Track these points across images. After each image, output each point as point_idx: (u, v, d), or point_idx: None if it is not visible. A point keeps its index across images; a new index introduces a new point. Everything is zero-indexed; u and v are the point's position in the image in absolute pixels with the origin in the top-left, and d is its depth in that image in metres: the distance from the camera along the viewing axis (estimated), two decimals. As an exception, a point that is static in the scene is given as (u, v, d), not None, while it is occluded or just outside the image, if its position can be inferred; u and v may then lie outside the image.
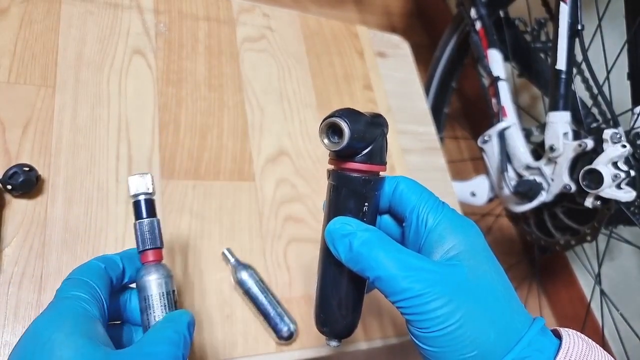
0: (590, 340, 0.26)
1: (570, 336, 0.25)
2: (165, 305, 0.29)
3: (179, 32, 0.53)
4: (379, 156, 0.27)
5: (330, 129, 0.26)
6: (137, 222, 0.30)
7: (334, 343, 0.30)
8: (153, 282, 0.29)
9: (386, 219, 0.31)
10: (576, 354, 0.24)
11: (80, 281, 0.27)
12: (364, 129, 0.26)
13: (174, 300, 0.30)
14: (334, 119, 0.25)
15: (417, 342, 0.25)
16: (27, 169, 0.38)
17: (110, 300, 0.29)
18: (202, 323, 0.41)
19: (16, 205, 0.39)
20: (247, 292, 0.41)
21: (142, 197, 0.30)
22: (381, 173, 0.28)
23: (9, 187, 0.37)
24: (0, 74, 0.42)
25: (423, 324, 0.24)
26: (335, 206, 0.28)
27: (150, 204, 0.30)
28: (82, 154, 0.43)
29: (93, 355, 0.22)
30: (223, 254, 0.43)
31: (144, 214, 0.30)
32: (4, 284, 0.36)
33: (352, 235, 0.26)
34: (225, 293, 0.43)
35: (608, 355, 0.26)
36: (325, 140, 0.26)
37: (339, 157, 0.27)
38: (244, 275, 0.42)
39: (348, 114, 0.25)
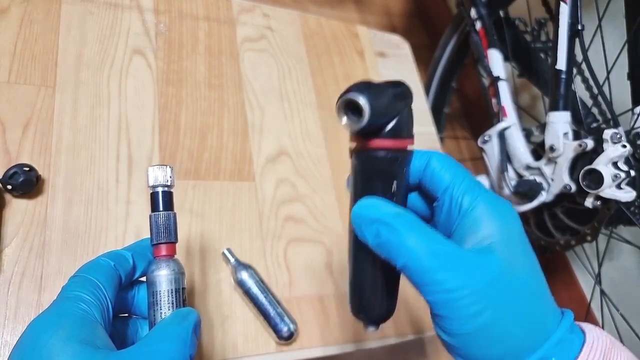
0: (613, 338, 0.25)
1: (593, 330, 0.25)
2: (173, 303, 0.28)
3: (179, 32, 0.53)
4: (405, 130, 0.25)
5: (348, 107, 0.23)
6: (153, 214, 0.29)
7: (371, 328, 0.29)
8: (163, 278, 0.28)
9: (414, 196, 0.29)
10: (600, 349, 0.24)
11: (86, 280, 0.26)
12: (385, 102, 0.23)
13: (182, 298, 0.29)
14: (350, 95, 0.22)
15: (443, 335, 0.24)
16: (27, 169, 0.38)
17: (118, 293, 0.28)
18: (202, 323, 0.41)
19: (16, 205, 0.39)
20: (247, 292, 0.41)
21: (160, 189, 0.29)
22: (409, 147, 0.26)
23: (9, 187, 0.37)
24: (0, 74, 0.42)
25: (451, 317, 0.23)
26: (362, 187, 0.26)
27: (168, 196, 0.30)
28: (82, 154, 0.43)
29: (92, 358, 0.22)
30: (223, 254, 0.43)
31: (161, 206, 0.29)
32: (4, 284, 0.36)
33: (380, 221, 0.24)
34: (225, 293, 0.43)
35: (628, 351, 0.25)
36: (344, 120, 0.23)
37: (361, 135, 0.25)
38: (244, 275, 0.42)
39: (366, 87, 0.22)
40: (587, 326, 0.25)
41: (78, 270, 0.27)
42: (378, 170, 0.25)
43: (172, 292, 0.28)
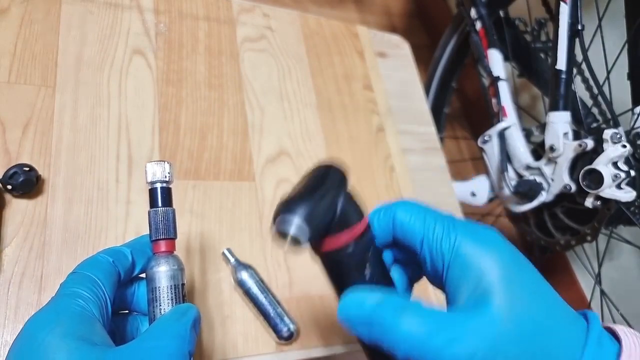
0: None
1: (629, 335, 0.23)
2: (173, 299, 0.28)
3: (179, 32, 0.53)
4: (352, 216, 0.24)
5: (284, 237, 0.21)
6: (151, 210, 0.29)
7: None
8: (162, 274, 0.28)
9: (395, 252, 0.28)
10: (638, 354, 0.22)
11: (84, 276, 0.26)
12: (319, 209, 0.22)
13: (182, 294, 0.29)
14: (281, 228, 0.21)
15: None
16: (27, 169, 0.38)
17: (117, 290, 0.28)
18: (202, 323, 0.41)
19: (16, 205, 0.39)
20: (247, 292, 0.41)
21: (158, 185, 0.29)
22: (363, 228, 0.25)
23: (9, 187, 0.37)
24: (0, 74, 0.42)
25: None
26: (339, 284, 0.25)
27: (166, 192, 0.29)
28: (82, 154, 0.43)
29: (87, 357, 0.22)
30: (223, 254, 0.43)
31: (160, 202, 0.29)
32: (4, 284, 0.36)
33: (365, 322, 0.23)
34: (225, 293, 0.43)
35: None
36: (286, 248, 0.21)
37: (313, 241, 0.23)
38: (244, 275, 0.42)
39: (295, 205, 0.21)
40: (620, 330, 0.23)
41: (76, 267, 0.27)
42: (345, 265, 0.24)
43: (171, 288, 0.28)
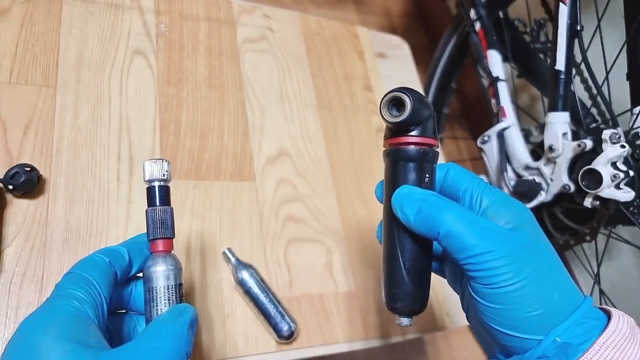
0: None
1: (617, 310, 0.26)
2: (170, 299, 0.28)
3: (179, 32, 0.54)
4: (433, 132, 0.29)
5: (392, 103, 0.27)
6: (149, 208, 0.29)
7: (405, 321, 0.30)
8: (160, 274, 0.28)
9: None
10: (627, 323, 0.25)
11: (79, 277, 0.26)
12: (420, 104, 0.27)
13: (179, 294, 0.28)
14: (396, 93, 0.27)
15: (481, 300, 0.26)
16: (28, 169, 0.38)
17: (114, 290, 0.28)
18: (202, 322, 0.41)
19: (17, 205, 0.39)
20: (248, 292, 0.42)
21: (156, 184, 0.29)
22: (436, 148, 0.29)
23: (11, 187, 0.38)
24: (1, 75, 0.43)
25: (490, 280, 0.25)
26: (399, 179, 0.29)
27: (164, 191, 0.29)
28: (83, 154, 0.43)
29: (81, 359, 0.22)
30: (224, 253, 0.43)
31: (157, 201, 0.29)
32: (5, 284, 0.36)
33: (421, 199, 0.27)
34: (225, 292, 0.43)
35: None
36: (387, 114, 0.27)
37: (398, 131, 0.29)
38: (245, 275, 0.42)
39: (409, 90, 0.27)
40: (613, 310, 0.27)
41: (72, 267, 0.27)
42: (412, 163, 0.29)
43: (168, 288, 0.28)
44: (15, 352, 0.22)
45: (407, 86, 0.28)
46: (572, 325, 0.25)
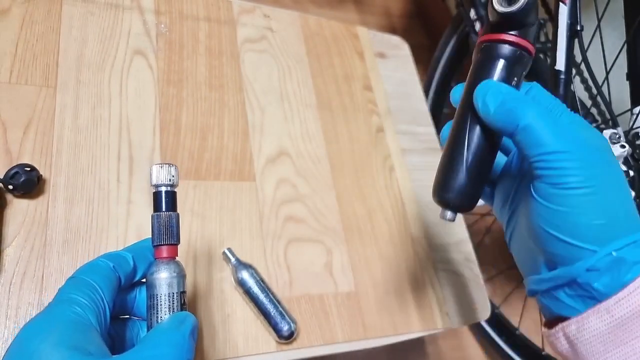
0: None
1: None
2: (171, 307, 0.27)
3: (179, 32, 0.54)
4: (533, 37, 0.28)
5: None
6: (154, 214, 0.28)
7: (450, 215, 0.30)
8: (162, 281, 0.28)
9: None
10: None
11: (82, 282, 0.26)
12: (534, 6, 0.27)
13: (181, 302, 0.28)
14: None
15: (542, 201, 0.25)
16: (28, 169, 0.38)
17: (118, 295, 0.28)
18: (202, 322, 0.41)
19: (17, 205, 0.39)
20: (248, 292, 0.42)
21: (163, 189, 0.28)
22: (532, 55, 0.29)
23: (10, 187, 0.38)
24: (1, 75, 0.43)
25: (560, 179, 0.24)
26: (486, 74, 0.28)
27: (171, 196, 0.29)
28: (83, 154, 0.43)
29: None
30: (224, 253, 0.43)
31: (163, 207, 0.28)
32: (5, 284, 0.36)
33: (507, 93, 0.27)
34: (225, 292, 0.43)
35: None
36: (497, 4, 0.27)
37: (499, 28, 0.28)
38: (245, 275, 0.42)
39: None
40: None
41: (75, 272, 0.27)
42: (506, 61, 0.28)
43: (170, 296, 0.28)
44: (14, 357, 0.22)
45: None
46: (633, 244, 0.24)
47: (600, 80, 0.69)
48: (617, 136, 0.63)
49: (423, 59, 0.97)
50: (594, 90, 0.70)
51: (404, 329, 0.48)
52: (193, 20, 0.55)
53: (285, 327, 0.41)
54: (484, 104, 0.27)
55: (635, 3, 0.67)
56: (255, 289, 0.41)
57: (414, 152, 0.63)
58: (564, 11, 0.69)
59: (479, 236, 1.12)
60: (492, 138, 0.29)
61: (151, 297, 0.28)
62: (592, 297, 0.25)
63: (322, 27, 0.65)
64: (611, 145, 0.62)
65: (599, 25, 0.72)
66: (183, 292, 0.29)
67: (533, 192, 0.26)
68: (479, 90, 0.28)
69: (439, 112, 1.02)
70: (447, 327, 0.51)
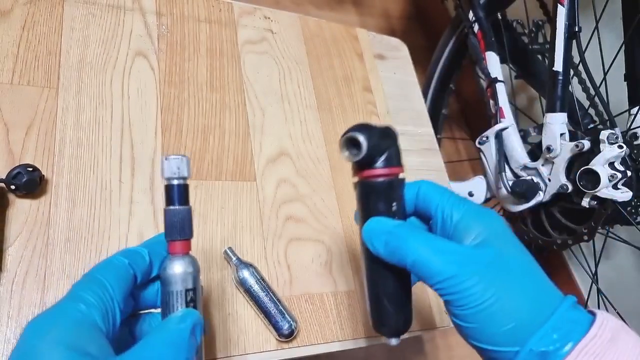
0: (622, 321, 0.27)
1: (604, 313, 0.27)
2: (177, 304, 0.27)
3: (180, 34, 0.54)
4: (395, 160, 0.30)
5: (350, 143, 0.29)
6: (167, 208, 0.28)
7: (394, 341, 0.32)
8: (173, 277, 0.27)
9: (413, 219, 0.34)
10: (610, 328, 0.25)
11: (94, 279, 0.26)
12: (377, 138, 0.29)
13: (186, 299, 0.27)
14: (351, 133, 0.29)
15: (457, 321, 0.27)
16: (30, 169, 0.38)
17: (137, 290, 0.28)
18: (203, 321, 0.41)
19: (20, 205, 0.39)
20: (248, 291, 0.42)
21: (175, 182, 0.27)
22: (400, 174, 0.31)
23: (13, 187, 0.38)
24: (3, 76, 0.43)
25: (460, 301, 0.26)
26: (367, 211, 0.31)
27: (183, 190, 0.28)
28: (85, 155, 0.43)
29: None
30: (225, 252, 0.44)
31: (176, 201, 0.27)
32: (7, 283, 0.36)
33: (387, 231, 0.29)
34: (226, 291, 0.43)
35: (636, 335, 0.26)
36: (346, 153, 0.30)
37: (361, 166, 0.30)
38: (245, 274, 0.42)
39: (363, 128, 0.29)
40: (597, 310, 0.27)
41: (91, 268, 0.27)
42: (379, 194, 0.30)
43: (180, 293, 0.27)
44: (17, 354, 0.22)
45: (364, 123, 0.30)
46: (547, 333, 0.25)
47: (598, 81, 0.70)
48: (615, 136, 0.63)
49: (422, 60, 0.97)
50: (592, 91, 0.71)
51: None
52: (194, 22, 0.56)
53: (285, 326, 0.41)
54: (372, 246, 0.29)
55: (633, 4, 0.68)
56: (256, 287, 0.42)
57: (413, 152, 0.63)
58: (562, 12, 0.69)
59: (477, 236, 1.12)
60: (399, 267, 0.30)
61: (162, 293, 0.27)
62: None
63: (322, 29, 0.65)
64: (609, 146, 0.63)
65: (597, 27, 0.72)
66: (190, 290, 0.28)
67: (447, 311, 0.27)
68: (365, 235, 0.30)
69: (437, 113, 1.03)
70: (445, 325, 0.51)
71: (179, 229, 0.28)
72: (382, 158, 0.30)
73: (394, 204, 0.30)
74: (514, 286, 0.26)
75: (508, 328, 0.25)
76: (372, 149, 0.29)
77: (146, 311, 0.30)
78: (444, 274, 0.26)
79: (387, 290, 0.31)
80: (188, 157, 0.28)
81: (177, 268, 0.27)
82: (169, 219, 0.28)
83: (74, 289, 0.25)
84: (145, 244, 0.30)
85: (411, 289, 0.32)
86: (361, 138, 0.28)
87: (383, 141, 0.30)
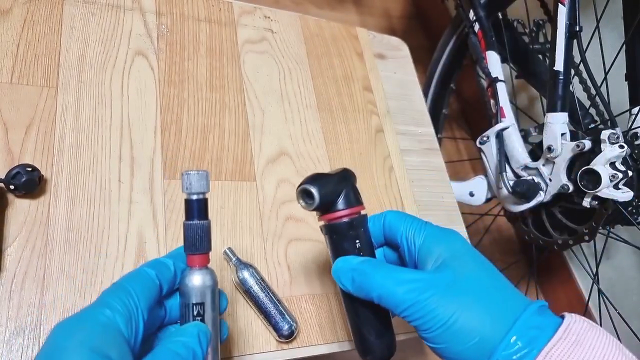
0: (592, 322, 0.28)
1: (572, 316, 0.28)
2: (190, 317, 0.28)
3: (180, 33, 0.54)
4: (353, 201, 0.33)
5: (304, 194, 0.32)
6: (186, 222, 0.28)
7: None
8: (187, 290, 0.28)
9: (385, 249, 0.37)
10: (577, 330, 0.27)
11: (120, 287, 0.27)
12: (332, 185, 0.32)
13: (193, 313, 0.28)
14: (304, 186, 0.31)
15: (428, 343, 0.29)
16: (29, 169, 0.38)
17: (168, 301, 0.29)
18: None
19: (19, 205, 0.39)
20: (248, 291, 0.42)
21: (195, 197, 0.28)
22: (362, 211, 0.34)
23: (12, 187, 0.38)
24: (3, 75, 0.43)
25: (425, 325, 0.28)
26: (334, 251, 0.34)
27: (203, 204, 0.29)
28: (84, 155, 0.43)
29: None
30: (224, 253, 0.44)
31: (195, 216, 0.28)
32: (6, 283, 0.36)
33: (352, 268, 0.31)
34: (226, 292, 0.43)
35: (609, 335, 0.27)
36: (302, 203, 0.32)
37: (322, 211, 0.33)
38: (245, 275, 0.42)
39: (315, 178, 0.32)
40: (567, 313, 0.28)
41: (120, 278, 0.28)
42: (342, 234, 0.33)
43: (190, 306, 0.28)
44: (44, 352, 0.23)
45: (319, 173, 0.32)
46: (510, 343, 0.26)
47: (599, 80, 0.70)
48: (616, 136, 0.63)
49: (422, 59, 0.97)
50: (593, 91, 0.70)
51: (403, 328, 0.49)
52: (194, 22, 0.56)
53: (285, 327, 0.41)
54: (342, 284, 0.32)
55: (634, 4, 0.68)
56: (256, 288, 0.42)
57: (413, 152, 0.63)
58: (562, 12, 0.69)
59: (478, 236, 1.12)
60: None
61: (183, 305, 0.29)
62: None
63: (322, 28, 0.65)
64: (610, 146, 0.63)
65: (597, 26, 0.72)
66: (197, 304, 0.28)
67: (419, 335, 0.29)
68: (334, 274, 0.32)
69: (438, 112, 1.03)
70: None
71: (197, 243, 0.28)
72: (339, 201, 0.32)
73: (357, 241, 0.33)
74: (473, 303, 0.28)
75: (473, 343, 0.27)
76: (325, 196, 0.31)
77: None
78: (406, 302, 0.28)
79: (365, 321, 0.33)
80: (208, 172, 0.29)
81: (191, 281, 0.28)
82: (188, 233, 0.28)
83: (101, 296, 0.26)
84: (170, 254, 0.31)
85: (390, 317, 0.34)
86: (313, 189, 0.31)
87: (338, 186, 0.32)
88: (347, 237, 0.33)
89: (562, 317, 0.28)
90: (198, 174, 0.28)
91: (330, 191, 0.32)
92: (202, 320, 0.29)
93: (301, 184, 0.31)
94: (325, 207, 0.32)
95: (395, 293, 0.29)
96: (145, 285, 0.27)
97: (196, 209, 0.28)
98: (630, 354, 0.27)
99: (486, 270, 0.30)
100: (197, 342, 0.27)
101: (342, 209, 0.32)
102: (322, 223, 0.34)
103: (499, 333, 0.27)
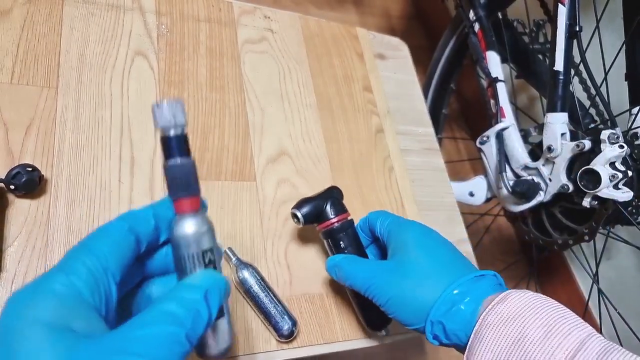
0: (546, 297, 0.33)
1: (521, 291, 0.34)
2: (190, 269, 0.24)
3: (180, 33, 0.54)
4: (335, 211, 0.43)
5: (293, 215, 0.43)
6: (167, 163, 0.24)
7: (381, 333, 0.45)
8: (183, 240, 0.24)
9: (374, 245, 0.46)
10: (514, 297, 0.33)
11: (84, 249, 0.22)
12: (313, 205, 0.42)
13: (204, 261, 0.24)
14: (292, 210, 0.43)
15: (387, 313, 0.38)
16: (29, 169, 0.38)
17: (149, 256, 0.25)
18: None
19: (19, 205, 0.39)
20: (248, 291, 0.42)
21: (172, 132, 0.24)
22: (348, 217, 0.44)
23: (12, 187, 0.38)
24: (3, 75, 0.43)
25: (379, 301, 0.38)
26: (329, 251, 0.44)
27: (181, 140, 0.24)
28: (84, 155, 0.43)
29: (54, 349, 0.19)
30: (224, 253, 0.44)
31: (176, 153, 0.24)
32: (6, 283, 0.36)
33: (334, 265, 0.41)
34: (226, 292, 0.43)
35: (564, 307, 0.32)
36: (295, 221, 0.43)
37: (318, 222, 0.43)
38: (245, 274, 0.42)
39: (301, 203, 0.43)
40: (504, 291, 0.35)
41: (84, 237, 0.23)
42: (331, 237, 0.43)
43: (195, 256, 0.24)
44: None
45: (306, 198, 0.43)
46: (437, 308, 0.35)
47: (599, 80, 0.70)
48: (616, 136, 0.63)
49: (422, 59, 0.97)
50: (593, 91, 0.70)
51: (403, 328, 0.49)
52: (194, 22, 0.56)
53: (285, 326, 0.41)
54: (332, 274, 0.42)
55: (634, 4, 0.68)
56: (256, 288, 0.42)
57: (413, 152, 0.63)
58: (562, 12, 0.69)
59: (477, 236, 1.12)
60: None
61: (175, 259, 0.24)
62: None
63: (322, 28, 0.65)
64: (610, 146, 0.63)
65: (597, 26, 0.72)
66: (210, 250, 0.24)
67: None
68: (327, 269, 0.42)
69: (438, 112, 1.03)
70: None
71: (183, 184, 0.24)
72: (325, 214, 0.42)
73: (341, 242, 0.42)
74: (408, 282, 0.36)
75: (411, 310, 0.36)
76: (308, 215, 0.42)
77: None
78: (364, 286, 0.38)
79: (360, 300, 0.42)
80: (182, 101, 0.24)
81: (188, 228, 0.24)
82: (171, 175, 0.24)
83: (62, 260, 0.22)
84: (151, 205, 0.26)
85: None
86: (297, 212, 0.42)
87: (320, 202, 0.43)
88: (334, 239, 0.43)
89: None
90: (170, 104, 0.23)
91: (312, 210, 0.42)
92: (215, 268, 0.25)
93: (293, 207, 0.42)
94: (315, 220, 0.43)
95: (357, 279, 0.39)
96: (115, 243, 0.23)
97: (176, 146, 0.24)
98: (574, 317, 0.31)
99: (428, 254, 0.38)
100: (202, 299, 0.22)
101: (330, 218, 0.42)
102: (320, 230, 0.44)
103: (429, 302, 0.35)
